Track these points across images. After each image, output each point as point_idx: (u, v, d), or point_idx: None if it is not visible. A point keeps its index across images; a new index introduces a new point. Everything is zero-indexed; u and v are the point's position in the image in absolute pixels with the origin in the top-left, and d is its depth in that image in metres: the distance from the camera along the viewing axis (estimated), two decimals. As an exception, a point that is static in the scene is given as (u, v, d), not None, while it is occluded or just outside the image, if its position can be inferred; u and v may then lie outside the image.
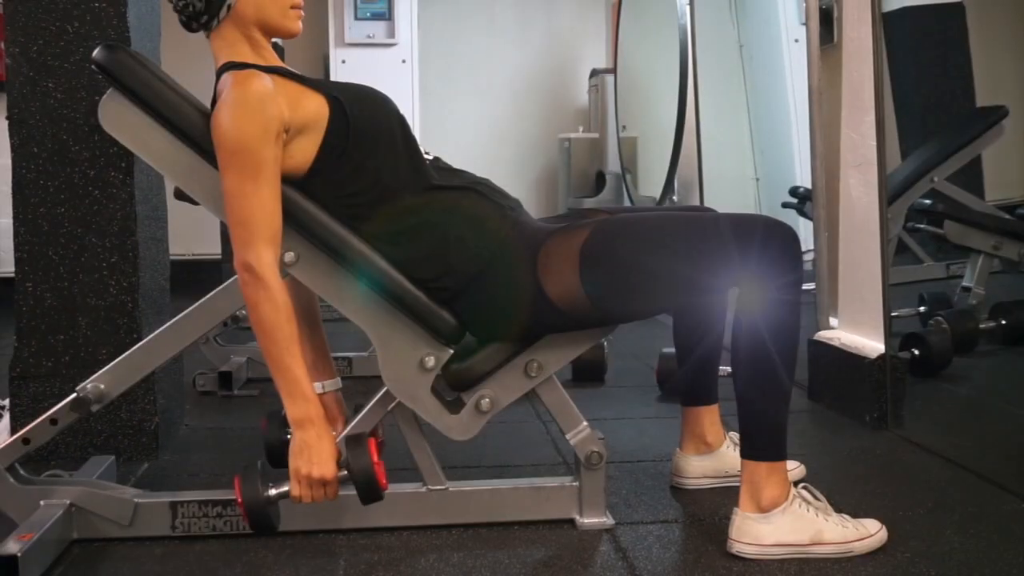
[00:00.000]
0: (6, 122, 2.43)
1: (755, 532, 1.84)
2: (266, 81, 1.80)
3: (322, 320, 2.18)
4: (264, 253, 1.77)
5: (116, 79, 1.88)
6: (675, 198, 4.90)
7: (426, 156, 1.95)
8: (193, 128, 1.88)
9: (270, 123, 1.77)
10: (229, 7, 1.87)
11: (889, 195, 2.81)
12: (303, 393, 1.81)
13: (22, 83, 2.41)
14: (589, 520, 2.02)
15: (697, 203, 4.52)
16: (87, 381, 1.97)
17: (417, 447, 2.01)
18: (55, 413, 1.95)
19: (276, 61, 1.94)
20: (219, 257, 5.39)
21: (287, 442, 1.82)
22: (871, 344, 2.80)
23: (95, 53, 1.90)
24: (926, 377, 3.25)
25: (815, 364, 3.05)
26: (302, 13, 1.95)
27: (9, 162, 2.43)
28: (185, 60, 2.47)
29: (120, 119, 1.91)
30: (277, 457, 2.02)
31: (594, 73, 6.41)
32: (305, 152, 1.84)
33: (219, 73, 1.89)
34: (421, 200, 1.89)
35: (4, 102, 2.47)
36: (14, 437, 1.95)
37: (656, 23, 5.23)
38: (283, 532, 1.98)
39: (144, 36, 2.55)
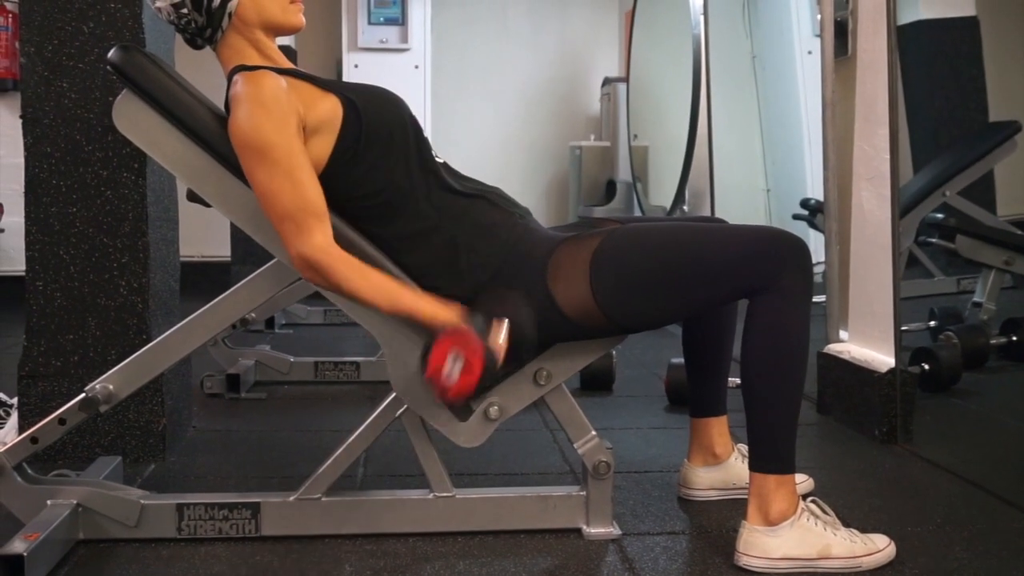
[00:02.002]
0: (20, 121, 2.44)
1: (763, 545, 1.83)
2: (278, 78, 1.80)
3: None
4: (314, 237, 1.77)
5: (131, 80, 1.89)
6: (686, 208, 4.90)
7: (437, 159, 1.95)
8: (206, 130, 1.89)
9: (289, 115, 1.77)
10: (230, 15, 1.88)
11: (901, 208, 2.80)
12: (423, 310, 1.80)
13: (36, 82, 2.41)
14: (596, 530, 2.02)
15: (708, 213, 4.51)
16: (96, 381, 1.97)
17: (424, 453, 2.01)
18: (63, 413, 1.95)
19: (285, 63, 1.95)
20: (228, 259, 5.41)
21: None
22: (881, 358, 2.79)
23: (110, 54, 1.91)
24: (936, 392, 3.24)
25: (824, 377, 3.04)
26: (302, 6, 1.95)
27: (22, 161, 2.43)
28: (199, 62, 2.46)
29: (134, 120, 1.91)
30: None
31: (606, 81, 6.40)
32: (318, 153, 1.84)
33: (230, 77, 1.89)
34: (432, 205, 1.89)
35: (18, 101, 2.47)
36: (22, 436, 1.95)
37: (669, 32, 5.23)
38: (289, 536, 1.98)
39: (159, 37, 2.56)
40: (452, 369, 1.66)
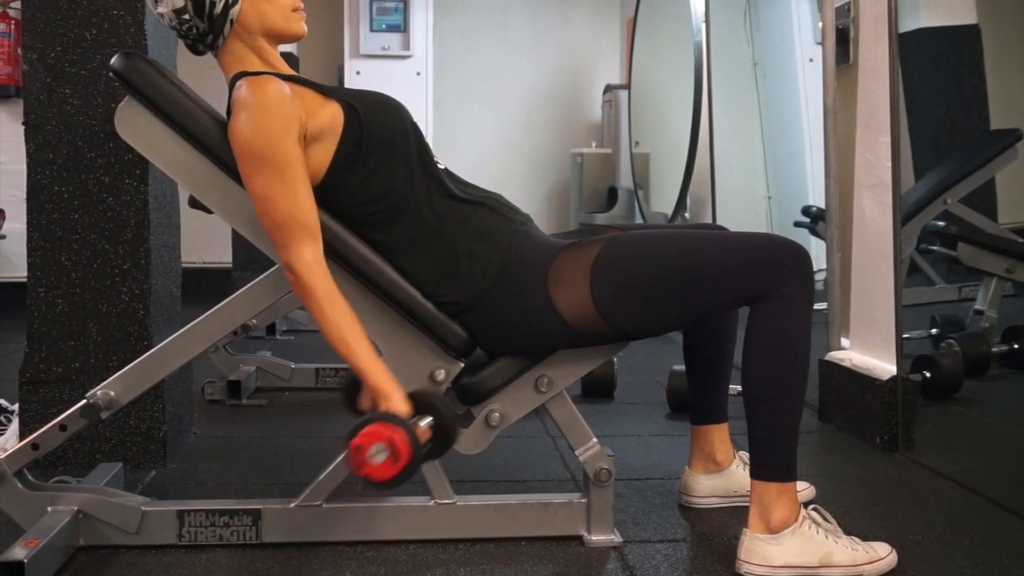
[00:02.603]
0: (22, 127, 2.44)
1: (764, 553, 1.83)
2: (282, 84, 1.80)
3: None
4: (303, 251, 1.79)
5: (133, 87, 1.89)
6: (687, 215, 4.90)
7: (438, 165, 1.96)
8: (209, 137, 1.89)
9: (291, 123, 1.77)
10: (232, 21, 1.88)
11: (902, 216, 2.80)
12: (368, 372, 1.81)
13: (39, 89, 2.42)
14: (597, 537, 2.01)
15: (709, 220, 4.51)
16: (97, 388, 1.97)
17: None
18: (65, 419, 1.95)
19: (287, 69, 1.95)
20: (230, 266, 5.41)
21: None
22: (882, 366, 2.78)
23: (113, 60, 1.91)
24: (937, 400, 3.23)
25: (826, 385, 3.04)
26: (304, 15, 1.96)
27: (24, 167, 2.44)
28: (201, 69, 2.47)
29: (136, 126, 1.92)
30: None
31: (608, 88, 6.41)
32: (320, 159, 1.84)
33: (231, 83, 1.90)
34: (433, 211, 1.89)
35: (21, 107, 2.47)
36: (23, 442, 1.94)
37: (671, 40, 5.23)
38: (290, 543, 1.98)
39: (161, 44, 2.56)
40: (376, 455, 1.68)
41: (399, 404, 1.78)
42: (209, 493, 2.34)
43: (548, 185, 6.94)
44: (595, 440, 2.01)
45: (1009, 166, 4.12)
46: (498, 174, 6.56)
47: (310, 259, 1.79)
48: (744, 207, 5.88)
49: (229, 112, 1.87)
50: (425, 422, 1.79)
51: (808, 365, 1.86)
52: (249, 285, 2.02)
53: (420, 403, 1.81)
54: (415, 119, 1.98)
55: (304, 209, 1.79)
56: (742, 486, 2.17)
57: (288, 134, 1.77)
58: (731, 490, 2.23)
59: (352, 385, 1.93)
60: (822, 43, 3.06)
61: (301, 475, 2.30)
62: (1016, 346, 3.66)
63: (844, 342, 3.06)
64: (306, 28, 1.96)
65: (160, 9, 1.88)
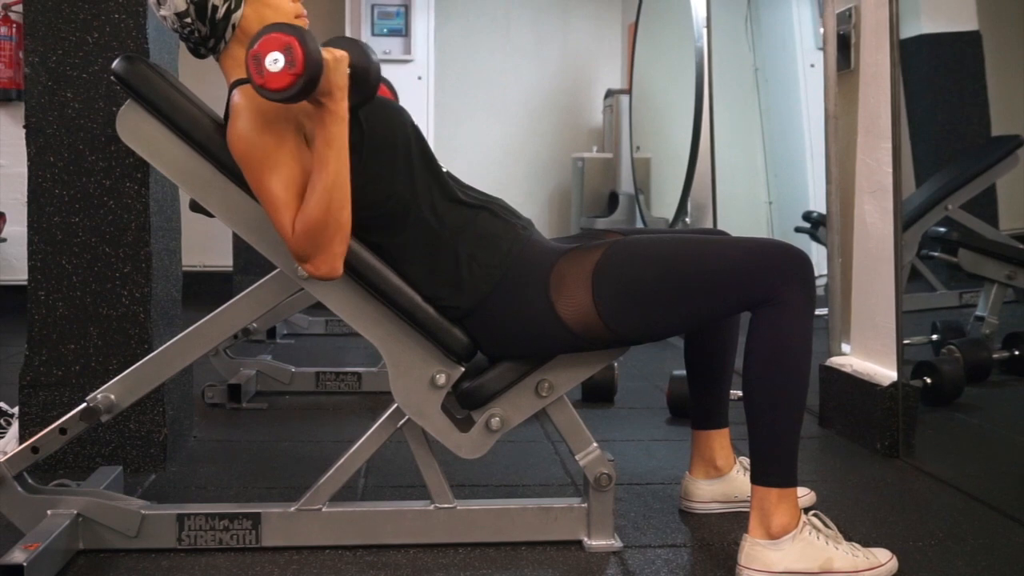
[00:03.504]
0: (23, 131, 2.44)
1: (764, 559, 1.83)
2: None
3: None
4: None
5: (134, 90, 1.89)
6: (688, 220, 4.90)
7: (440, 170, 1.96)
8: (210, 140, 1.89)
9: (286, 122, 1.78)
10: (234, 26, 1.88)
11: (903, 222, 2.80)
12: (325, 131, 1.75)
13: (40, 92, 2.42)
14: (597, 542, 2.01)
15: (710, 225, 4.51)
16: (97, 391, 1.97)
17: (426, 464, 2.00)
18: (65, 422, 1.95)
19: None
20: (230, 269, 5.42)
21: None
22: (883, 371, 2.78)
23: (114, 64, 1.91)
24: (938, 406, 3.23)
25: (826, 390, 3.04)
26: (307, 21, 1.96)
27: (25, 171, 2.44)
28: (203, 72, 2.47)
29: (137, 130, 1.92)
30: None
31: (609, 93, 6.41)
32: (321, 163, 1.84)
33: (231, 89, 1.90)
34: (435, 215, 1.89)
35: (22, 111, 2.48)
36: (23, 446, 1.94)
37: (672, 45, 5.23)
38: (289, 547, 1.98)
39: (162, 48, 2.56)
40: (274, 62, 1.64)
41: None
42: (209, 497, 2.34)
43: (549, 190, 6.94)
44: (595, 445, 2.00)
45: (1010, 172, 4.11)
46: (499, 178, 6.57)
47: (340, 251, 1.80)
48: (745, 212, 5.88)
49: (226, 118, 1.86)
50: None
51: (809, 370, 1.86)
52: (250, 289, 2.02)
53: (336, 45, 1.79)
54: (416, 123, 1.98)
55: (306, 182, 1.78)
56: (743, 491, 2.17)
57: (285, 133, 1.77)
58: (732, 495, 2.22)
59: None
60: (823, 48, 3.06)
61: (301, 479, 2.30)
62: (1017, 352, 3.65)
63: (845, 347, 3.06)
64: None
65: (162, 12, 1.88)
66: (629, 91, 5.95)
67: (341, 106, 1.74)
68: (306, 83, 1.66)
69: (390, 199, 1.88)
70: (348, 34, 5.95)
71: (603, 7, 7.00)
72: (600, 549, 2.00)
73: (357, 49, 1.81)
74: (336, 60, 1.72)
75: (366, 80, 1.81)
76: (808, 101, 5.63)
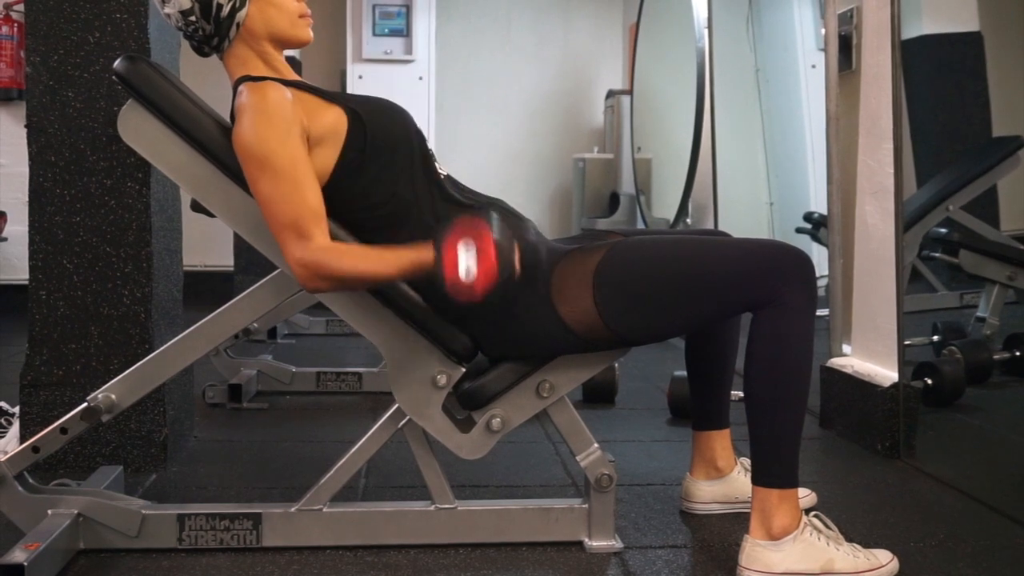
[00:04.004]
0: (24, 130, 2.44)
1: (765, 560, 1.83)
2: (283, 88, 1.80)
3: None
4: (314, 240, 1.76)
5: (136, 90, 1.89)
6: (689, 221, 4.90)
7: (440, 171, 1.95)
8: (211, 140, 1.89)
9: (292, 125, 1.77)
10: (238, 25, 1.88)
11: (904, 223, 2.80)
12: (407, 253, 1.77)
13: (42, 92, 2.42)
14: (598, 543, 2.01)
15: (711, 226, 4.51)
16: (98, 391, 1.97)
17: (426, 465, 2.00)
18: (65, 422, 1.95)
19: (291, 75, 1.95)
20: (231, 269, 5.42)
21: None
22: (884, 372, 2.78)
23: (116, 64, 1.91)
24: (939, 407, 3.23)
25: (827, 391, 3.04)
26: (311, 21, 1.96)
27: (26, 170, 2.44)
28: (204, 72, 2.47)
29: (139, 130, 1.92)
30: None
31: (610, 94, 6.41)
32: (323, 164, 1.84)
33: (235, 87, 1.90)
34: (436, 216, 1.89)
35: (23, 110, 2.48)
36: (24, 445, 1.94)
37: (673, 45, 5.23)
38: (290, 548, 1.98)
39: (164, 48, 2.56)
40: (468, 262, 1.63)
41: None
42: (210, 497, 2.34)
43: (550, 190, 6.94)
44: (596, 446, 2.00)
45: (1011, 173, 4.11)
46: (500, 179, 6.57)
47: (321, 242, 1.77)
48: (746, 213, 5.88)
49: (232, 117, 1.87)
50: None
51: (810, 371, 1.86)
52: (251, 289, 2.02)
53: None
54: (419, 126, 1.98)
55: (311, 203, 1.77)
56: (743, 492, 2.17)
57: (289, 136, 1.77)
58: (732, 496, 2.22)
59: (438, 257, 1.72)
60: (825, 49, 3.06)
61: (302, 479, 2.30)
62: (1018, 353, 3.65)
63: (846, 348, 3.06)
64: (312, 35, 1.96)
65: (167, 10, 1.88)
66: (630, 92, 5.95)
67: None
68: (504, 265, 1.65)
69: (391, 200, 1.88)
70: (350, 34, 5.94)
71: (604, 8, 7.00)
72: (601, 550, 2.00)
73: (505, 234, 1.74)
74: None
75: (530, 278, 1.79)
76: (809, 102, 5.63)
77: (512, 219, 1.82)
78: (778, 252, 1.85)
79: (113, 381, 1.99)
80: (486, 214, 1.72)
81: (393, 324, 1.93)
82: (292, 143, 1.77)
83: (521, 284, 1.86)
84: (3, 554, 1.74)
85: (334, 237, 1.83)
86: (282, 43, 1.94)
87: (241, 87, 1.85)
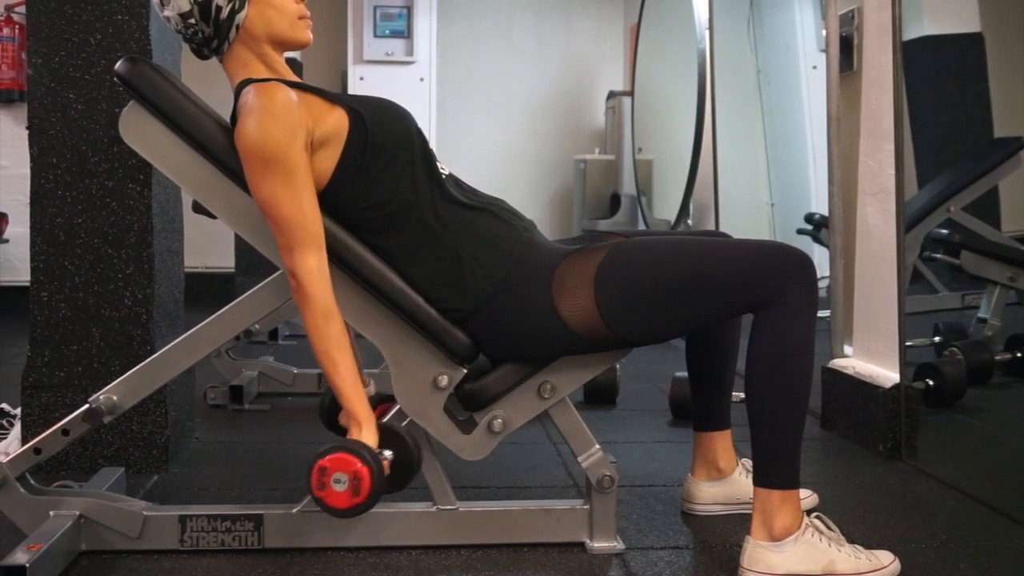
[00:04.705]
0: (26, 132, 2.45)
1: (767, 561, 1.83)
2: (289, 91, 1.80)
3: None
4: (306, 259, 1.79)
5: (137, 91, 1.89)
6: (690, 222, 4.90)
7: (442, 171, 1.96)
8: (213, 141, 1.89)
9: (297, 129, 1.77)
10: (238, 27, 1.88)
11: (905, 224, 2.80)
12: (347, 395, 1.84)
13: (43, 94, 2.42)
14: (599, 544, 2.01)
15: (712, 227, 4.51)
16: (99, 392, 1.97)
17: (428, 466, 2.00)
18: (67, 424, 1.95)
19: (292, 77, 1.95)
20: (232, 271, 5.42)
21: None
22: (886, 373, 2.78)
23: (117, 65, 1.91)
24: (940, 408, 3.22)
25: (829, 392, 3.04)
26: (310, 22, 1.96)
27: (28, 171, 2.44)
28: (205, 74, 2.48)
29: (140, 131, 1.92)
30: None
31: (611, 95, 6.41)
32: (325, 164, 1.84)
33: (237, 90, 1.90)
34: (437, 217, 1.89)
35: (25, 112, 2.48)
36: (25, 447, 1.94)
37: (674, 47, 5.24)
38: (291, 549, 1.98)
39: (165, 49, 2.56)
40: (338, 482, 1.74)
41: (369, 435, 1.82)
42: (211, 498, 2.34)
43: (551, 191, 6.94)
44: (598, 447, 2.00)
45: (1012, 174, 4.11)
46: (501, 180, 6.57)
47: (314, 268, 1.79)
48: (747, 214, 5.87)
49: (234, 118, 1.87)
50: (388, 454, 1.81)
51: (812, 372, 1.86)
52: (252, 290, 2.02)
53: (388, 436, 1.84)
54: (420, 126, 1.98)
55: (308, 215, 1.79)
56: (745, 493, 2.17)
57: (295, 140, 1.77)
58: (734, 497, 2.22)
59: (334, 401, 1.97)
60: (826, 50, 3.06)
61: (303, 480, 2.29)
62: (1019, 354, 3.64)
63: (847, 349, 3.06)
64: (312, 37, 1.96)
65: (166, 13, 1.88)
66: (631, 93, 5.95)
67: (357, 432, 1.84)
68: (361, 509, 1.75)
69: (392, 201, 1.88)
70: (351, 35, 5.95)
71: (605, 9, 7.00)
72: (602, 551, 2.00)
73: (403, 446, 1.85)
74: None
75: (404, 479, 1.86)
76: (810, 103, 5.62)
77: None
78: (779, 253, 1.85)
79: (115, 383, 1.99)
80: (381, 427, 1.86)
81: (394, 325, 1.93)
82: (296, 148, 1.78)
83: (521, 283, 1.87)
84: (5, 555, 1.74)
85: (344, 246, 1.87)
86: (282, 45, 1.94)
87: (247, 88, 1.85)
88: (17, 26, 5.45)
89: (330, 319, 1.82)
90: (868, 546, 1.91)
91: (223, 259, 5.74)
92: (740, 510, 2.20)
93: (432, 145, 1.98)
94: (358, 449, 1.75)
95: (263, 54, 1.91)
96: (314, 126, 1.81)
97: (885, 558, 1.87)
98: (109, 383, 2.00)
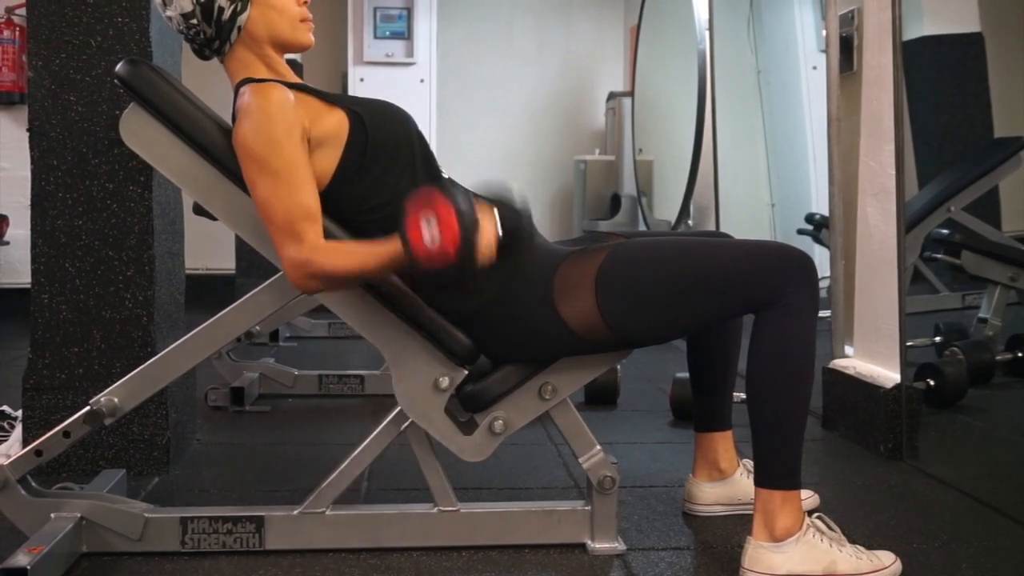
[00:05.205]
0: (27, 134, 2.45)
1: (768, 561, 1.83)
2: (286, 90, 1.80)
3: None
4: (307, 239, 1.76)
5: (138, 93, 1.89)
6: (691, 222, 4.90)
7: (441, 173, 1.96)
8: (213, 143, 1.89)
9: (293, 126, 1.77)
10: (239, 29, 1.88)
11: (906, 224, 2.81)
12: (391, 245, 1.72)
13: (43, 96, 2.42)
14: (601, 545, 2.01)
15: (713, 228, 4.51)
16: (101, 394, 1.97)
17: (429, 467, 2.00)
18: (68, 426, 1.95)
19: (293, 78, 1.95)
20: (233, 272, 5.42)
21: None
22: (886, 374, 2.78)
23: (118, 67, 1.92)
24: (941, 408, 3.22)
25: (830, 393, 3.04)
26: (312, 25, 1.96)
27: (28, 174, 2.44)
28: (206, 76, 2.48)
29: (140, 133, 1.92)
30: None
31: (611, 96, 6.41)
32: (324, 166, 1.84)
33: (237, 90, 1.90)
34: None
35: (25, 114, 2.48)
36: (26, 449, 1.94)
37: (674, 47, 5.24)
38: (293, 551, 1.98)
39: (165, 51, 2.56)
40: (430, 232, 1.63)
41: None
42: (212, 500, 2.34)
43: (552, 192, 6.94)
44: (599, 447, 2.00)
45: (1013, 174, 4.11)
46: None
47: (312, 241, 1.77)
48: (747, 214, 5.88)
49: (234, 119, 1.87)
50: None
51: (813, 373, 1.86)
52: (253, 292, 2.02)
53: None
54: (420, 129, 1.98)
55: (305, 205, 1.77)
56: (746, 494, 2.17)
57: (290, 138, 1.77)
58: (735, 498, 2.22)
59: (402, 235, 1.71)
60: (826, 51, 3.06)
61: (304, 482, 2.30)
62: (1020, 354, 3.65)
63: (848, 350, 3.06)
64: (313, 39, 1.96)
65: (168, 13, 1.88)
66: (631, 93, 5.95)
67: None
68: (467, 231, 1.63)
69: (392, 203, 1.88)
70: (351, 37, 5.95)
71: (605, 10, 7.00)
72: (603, 552, 2.00)
73: (507, 211, 1.75)
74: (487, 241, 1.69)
75: (517, 243, 1.75)
76: (810, 103, 5.63)
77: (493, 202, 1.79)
78: (780, 253, 1.85)
79: (115, 384, 1.99)
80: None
81: (395, 326, 1.93)
82: (292, 145, 1.78)
83: (522, 284, 1.86)
84: (7, 558, 1.74)
85: (330, 236, 1.83)
86: (283, 47, 1.94)
87: (244, 88, 1.85)
88: (17, 28, 5.46)
89: (344, 249, 1.78)
90: (869, 546, 1.91)
91: (224, 261, 5.74)
92: (741, 511, 2.19)
93: (432, 146, 1.98)
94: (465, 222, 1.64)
95: (264, 55, 1.92)
96: (311, 125, 1.81)
97: (886, 558, 1.87)
98: (110, 385, 2.00)
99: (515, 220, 1.74)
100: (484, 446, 1.97)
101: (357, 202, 1.87)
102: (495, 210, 1.73)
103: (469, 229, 1.64)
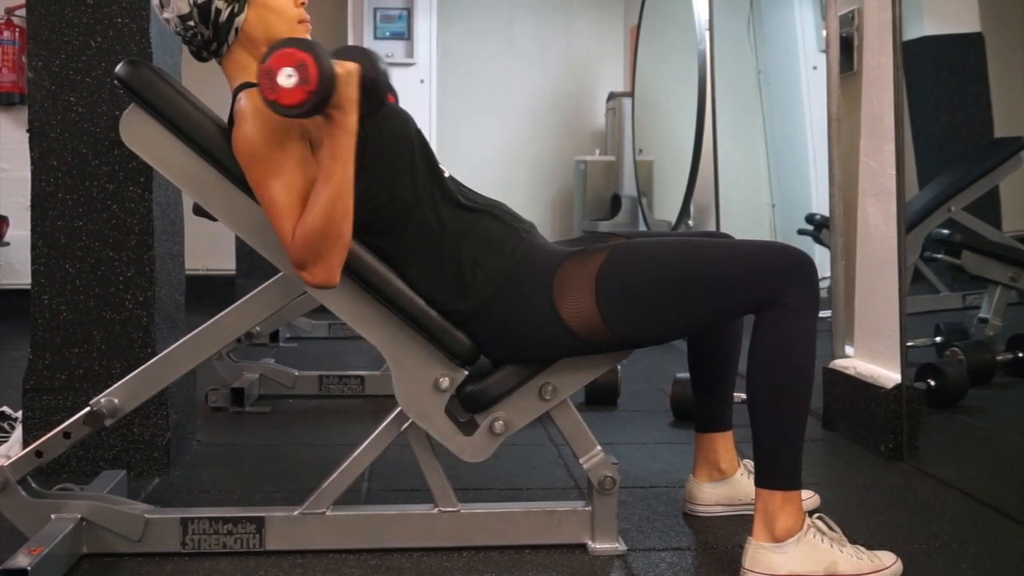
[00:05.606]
0: (27, 135, 2.45)
1: (768, 562, 1.83)
2: None
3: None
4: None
5: (137, 94, 1.89)
6: (691, 223, 4.90)
7: (442, 174, 1.95)
8: (213, 144, 1.89)
9: (291, 126, 1.77)
10: (237, 30, 1.88)
11: (906, 224, 2.80)
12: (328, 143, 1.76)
13: (43, 96, 2.42)
14: (601, 546, 2.01)
15: (713, 228, 4.51)
16: (101, 395, 1.97)
17: (429, 468, 2.00)
18: (68, 426, 1.95)
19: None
20: (233, 273, 5.41)
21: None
22: (887, 374, 2.78)
23: (118, 68, 1.91)
24: (942, 408, 3.22)
25: (830, 393, 3.04)
26: (310, 26, 1.96)
27: (28, 175, 2.44)
28: (205, 76, 2.48)
29: (140, 134, 1.92)
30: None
31: (611, 96, 6.41)
32: (324, 166, 1.84)
33: (234, 94, 1.90)
34: (437, 219, 1.89)
35: (25, 115, 2.48)
36: (27, 450, 1.94)
37: (674, 47, 5.24)
38: (293, 551, 1.98)
39: (165, 52, 2.56)
40: (287, 77, 1.64)
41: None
42: (213, 501, 2.34)
43: (552, 193, 6.94)
44: (599, 448, 2.00)
45: (1013, 174, 4.11)
46: (502, 182, 6.57)
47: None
48: (748, 215, 5.87)
49: (231, 120, 1.87)
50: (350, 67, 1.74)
51: (813, 373, 1.86)
52: (253, 292, 2.03)
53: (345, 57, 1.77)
54: (420, 128, 1.98)
55: (308, 189, 1.78)
56: (747, 494, 2.17)
57: (288, 137, 1.77)
58: (736, 498, 2.22)
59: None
60: (826, 51, 3.06)
61: (305, 482, 2.30)
62: (1021, 354, 3.64)
63: (848, 350, 3.06)
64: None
65: (166, 15, 1.88)
66: (631, 94, 5.95)
67: (350, 119, 1.74)
68: (319, 100, 1.67)
69: (392, 203, 1.88)
70: (351, 37, 5.95)
71: (605, 10, 7.00)
72: (604, 552, 2.00)
73: (367, 60, 1.80)
74: (347, 74, 1.71)
75: (376, 91, 1.80)
76: (811, 103, 5.62)
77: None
78: (781, 253, 1.85)
79: (116, 385, 1.99)
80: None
81: (395, 327, 1.93)
82: (294, 145, 1.78)
83: (522, 284, 1.86)
84: (7, 559, 1.74)
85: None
86: (281, 48, 1.94)
87: (241, 94, 1.85)
88: (17, 29, 5.46)
89: (316, 198, 1.76)
90: (870, 547, 1.91)
91: (224, 262, 5.74)
92: (742, 511, 2.19)
93: (433, 147, 1.98)
94: (297, 42, 1.68)
95: (262, 57, 1.91)
96: (311, 126, 1.81)
97: (887, 559, 1.87)
98: (110, 386, 2.00)
99: (374, 71, 1.78)
100: (484, 446, 1.97)
101: (357, 202, 1.87)
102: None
103: (320, 101, 1.67)
